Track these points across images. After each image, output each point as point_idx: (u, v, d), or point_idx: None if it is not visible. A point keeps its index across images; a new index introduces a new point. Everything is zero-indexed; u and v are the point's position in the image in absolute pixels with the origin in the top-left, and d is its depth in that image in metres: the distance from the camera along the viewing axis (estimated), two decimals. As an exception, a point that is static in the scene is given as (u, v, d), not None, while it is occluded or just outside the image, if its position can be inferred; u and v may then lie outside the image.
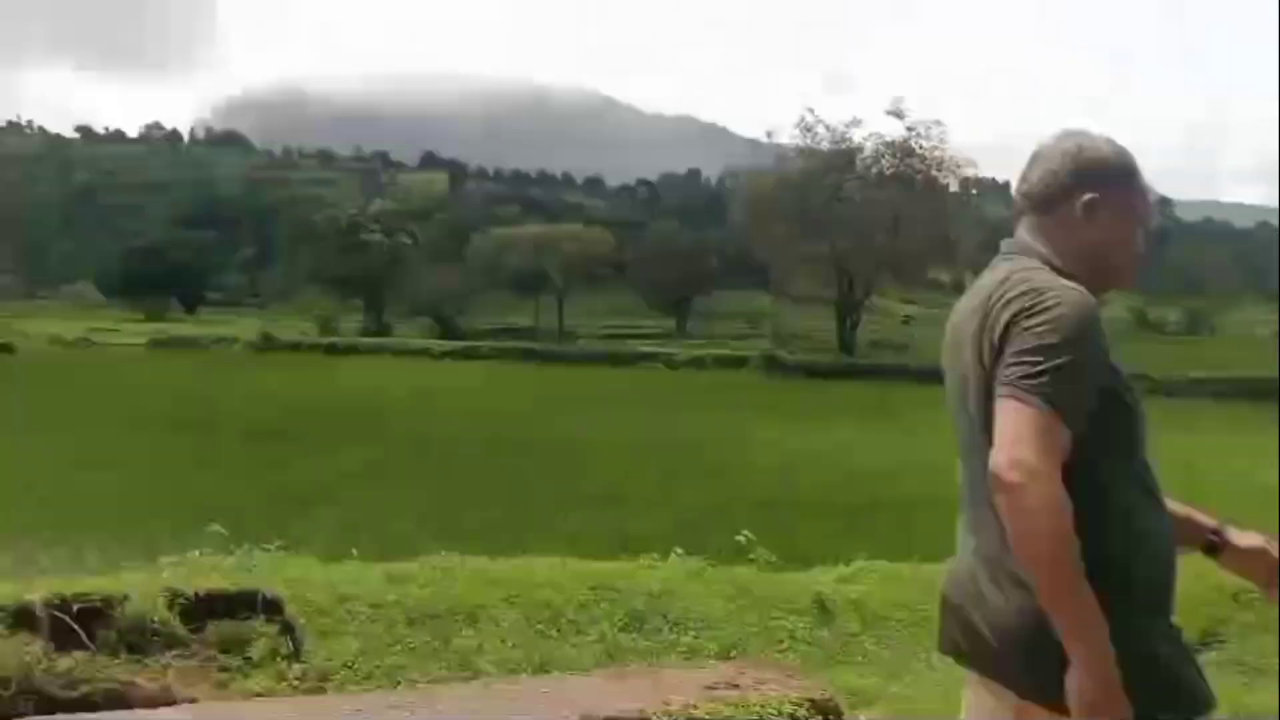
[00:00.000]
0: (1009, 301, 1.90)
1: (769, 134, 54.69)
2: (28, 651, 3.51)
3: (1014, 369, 1.84)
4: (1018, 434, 1.78)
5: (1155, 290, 63.43)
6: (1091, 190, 2.01)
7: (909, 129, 50.26)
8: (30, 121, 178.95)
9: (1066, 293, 1.88)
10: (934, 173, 51.58)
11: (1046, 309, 1.85)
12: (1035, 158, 2.10)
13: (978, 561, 1.97)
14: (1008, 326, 1.88)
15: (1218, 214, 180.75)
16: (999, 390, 1.86)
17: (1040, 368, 1.82)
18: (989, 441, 1.86)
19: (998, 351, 1.89)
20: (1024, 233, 2.08)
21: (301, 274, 70.21)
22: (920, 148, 50.50)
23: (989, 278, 2.02)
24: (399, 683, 4.12)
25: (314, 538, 7.67)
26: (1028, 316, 1.86)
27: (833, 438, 19.22)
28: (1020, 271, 1.98)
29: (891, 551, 7.21)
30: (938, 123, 50.72)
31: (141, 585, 4.16)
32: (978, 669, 2.00)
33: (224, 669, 3.89)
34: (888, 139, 50.58)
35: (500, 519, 10.87)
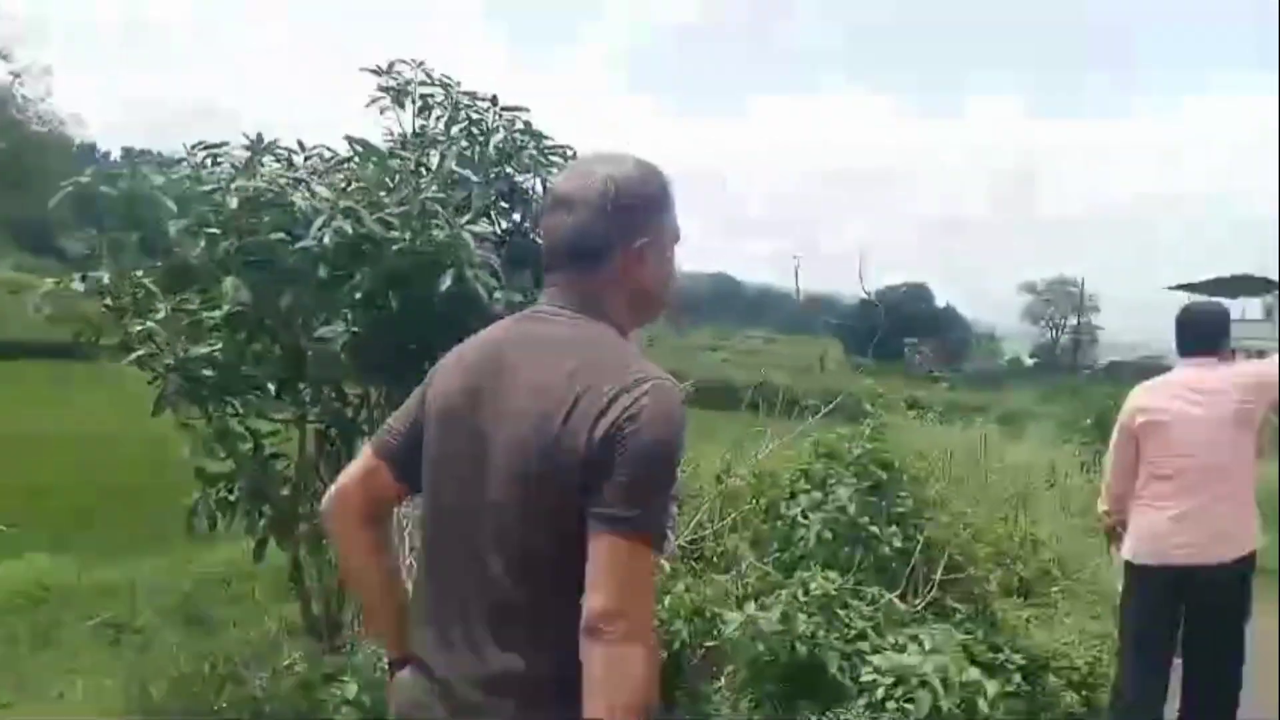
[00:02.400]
0: (607, 402, 1.66)
1: None
2: None
3: (620, 497, 1.64)
4: (622, 580, 1.61)
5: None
6: (641, 234, 1.82)
7: (13, 75, 44.84)
8: None
9: (665, 394, 1.69)
10: (34, 127, 46.09)
11: (653, 419, 1.66)
12: (564, 201, 1.83)
13: (445, 685, 1.78)
14: (609, 438, 1.65)
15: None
16: (596, 519, 1.64)
17: (650, 500, 1.66)
18: (527, 556, 1.71)
19: (589, 463, 1.65)
20: (567, 286, 1.83)
21: None
22: (21, 97, 45.26)
23: (549, 338, 1.78)
24: None
25: None
26: (631, 426, 1.65)
27: None
28: (604, 351, 1.75)
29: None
30: (47, 71, 46.32)
31: None
32: None
33: None
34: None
35: None
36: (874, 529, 5.15)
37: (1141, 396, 4.37)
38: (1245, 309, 69.37)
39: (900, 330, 70.22)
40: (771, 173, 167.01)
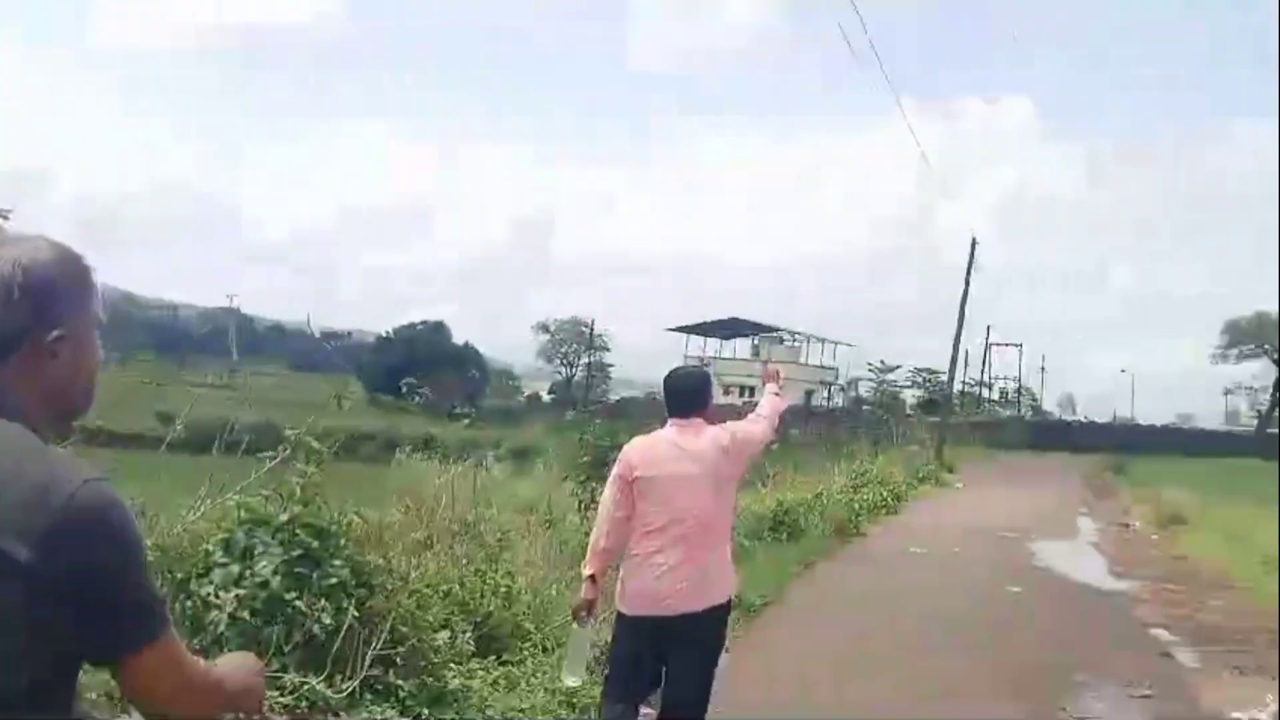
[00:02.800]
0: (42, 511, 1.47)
1: None
2: None
3: (115, 619, 1.53)
4: (180, 690, 1.61)
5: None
6: (54, 325, 1.61)
7: None
8: None
9: (103, 494, 1.52)
10: None
11: (100, 522, 1.50)
12: None
13: None
14: (54, 551, 1.46)
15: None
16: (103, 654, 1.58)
17: (143, 603, 1.57)
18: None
19: (41, 583, 1.46)
20: None
21: None
22: None
23: None
24: None
25: None
26: (75, 536, 1.47)
27: None
28: (20, 454, 1.52)
29: None
30: None
31: None
32: None
33: None
34: None
35: None
36: (300, 604, 4.39)
37: (634, 454, 4.51)
38: (736, 349, 77.30)
39: (423, 367, 70.34)
40: (288, 204, 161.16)
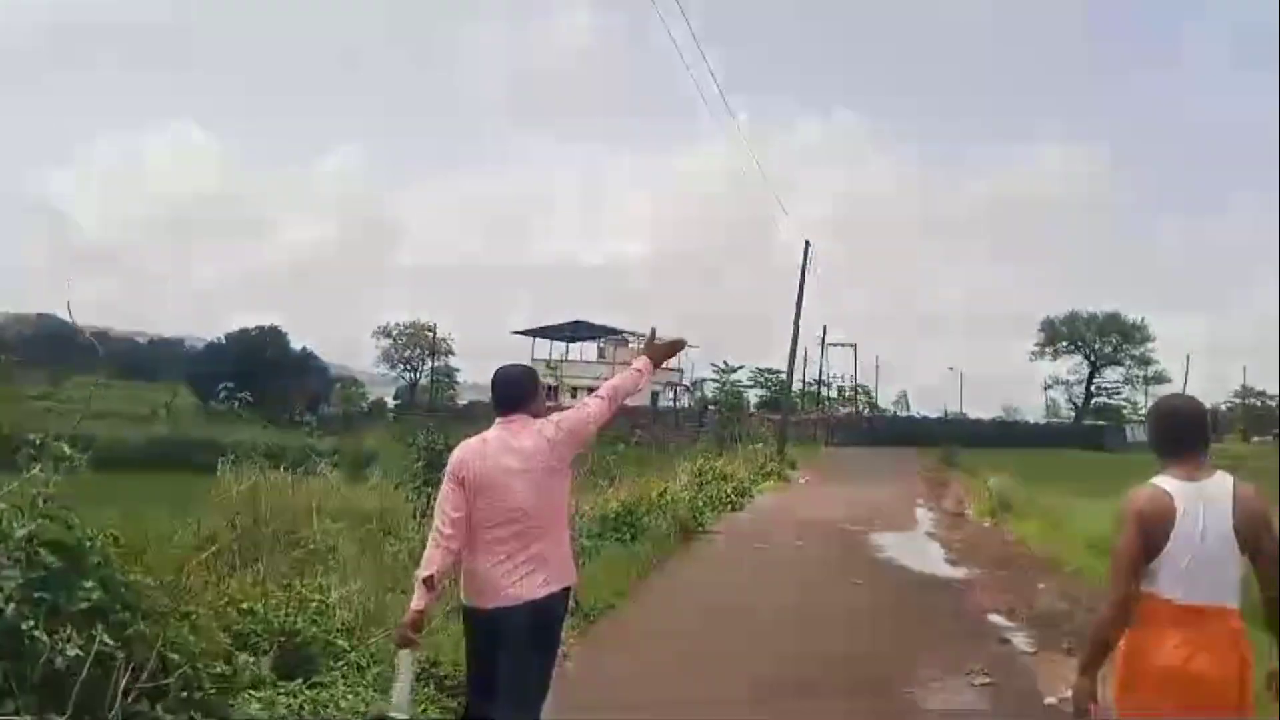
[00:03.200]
0: None
1: None
2: None
3: None
4: None
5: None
6: None
7: None
8: None
9: None
10: None
11: None
12: None
13: None
14: None
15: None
16: None
17: None
18: None
19: None
20: None
21: None
22: None
23: None
24: None
25: None
26: None
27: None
28: None
29: None
30: None
31: None
32: None
33: None
34: None
35: None
36: (39, 634, 3.69)
37: (464, 453, 4.53)
38: (583, 351, 76.99)
39: (258, 374, 67.59)
40: (112, 209, 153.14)
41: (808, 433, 57.76)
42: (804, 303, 40.81)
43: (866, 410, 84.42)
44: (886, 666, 7.89)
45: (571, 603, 4.77)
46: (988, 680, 7.51)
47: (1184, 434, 3.71)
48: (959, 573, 13.18)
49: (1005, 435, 69.57)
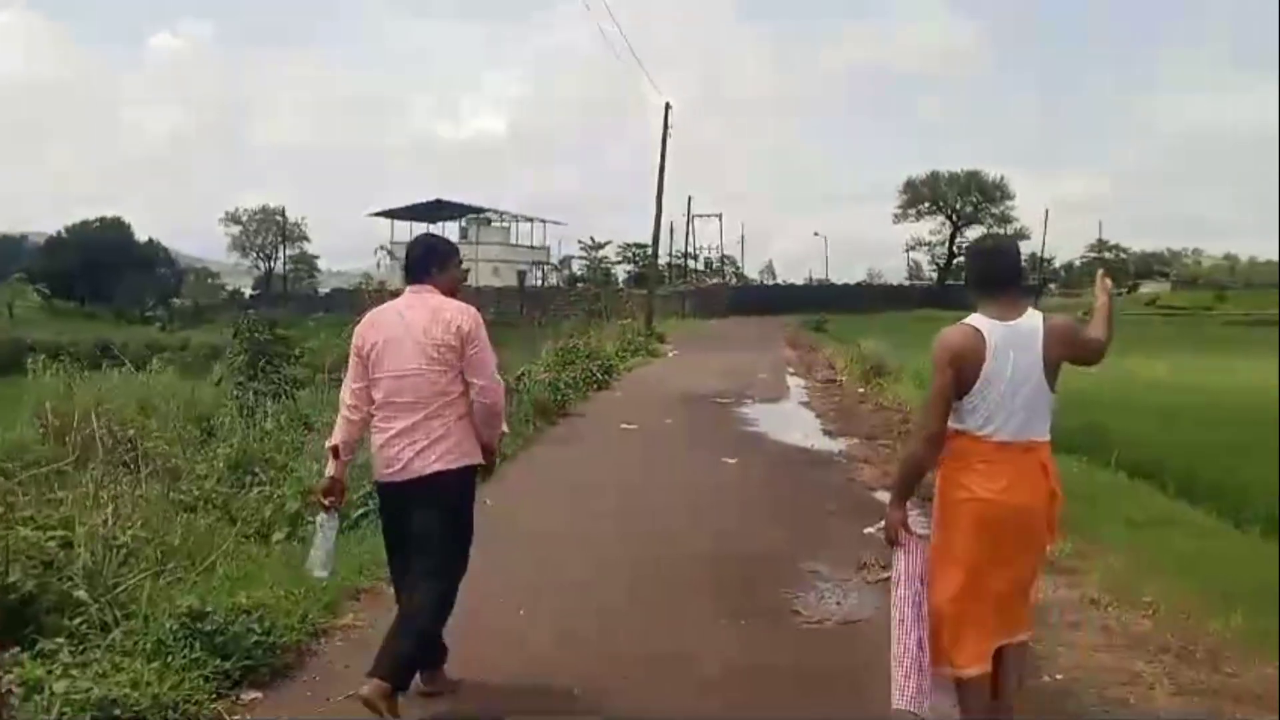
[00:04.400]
0: None
1: None
2: None
3: None
4: None
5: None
6: None
7: None
8: None
9: None
10: None
11: None
12: None
13: None
14: None
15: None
16: None
17: None
18: None
19: None
20: None
21: None
22: None
23: None
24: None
25: None
26: None
27: None
28: None
29: None
30: None
31: None
32: None
33: None
34: None
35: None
36: None
37: (364, 322, 4.49)
38: (445, 231, 74.26)
39: (103, 268, 63.28)
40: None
41: (676, 306, 56.96)
42: (668, 174, 39.25)
43: (734, 280, 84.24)
44: (766, 564, 6.81)
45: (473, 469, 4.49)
46: (884, 574, 6.50)
47: (998, 273, 3.75)
48: (837, 444, 12.27)
49: (870, 299, 70.24)
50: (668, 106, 39.23)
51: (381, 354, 4.33)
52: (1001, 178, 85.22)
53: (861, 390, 18.18)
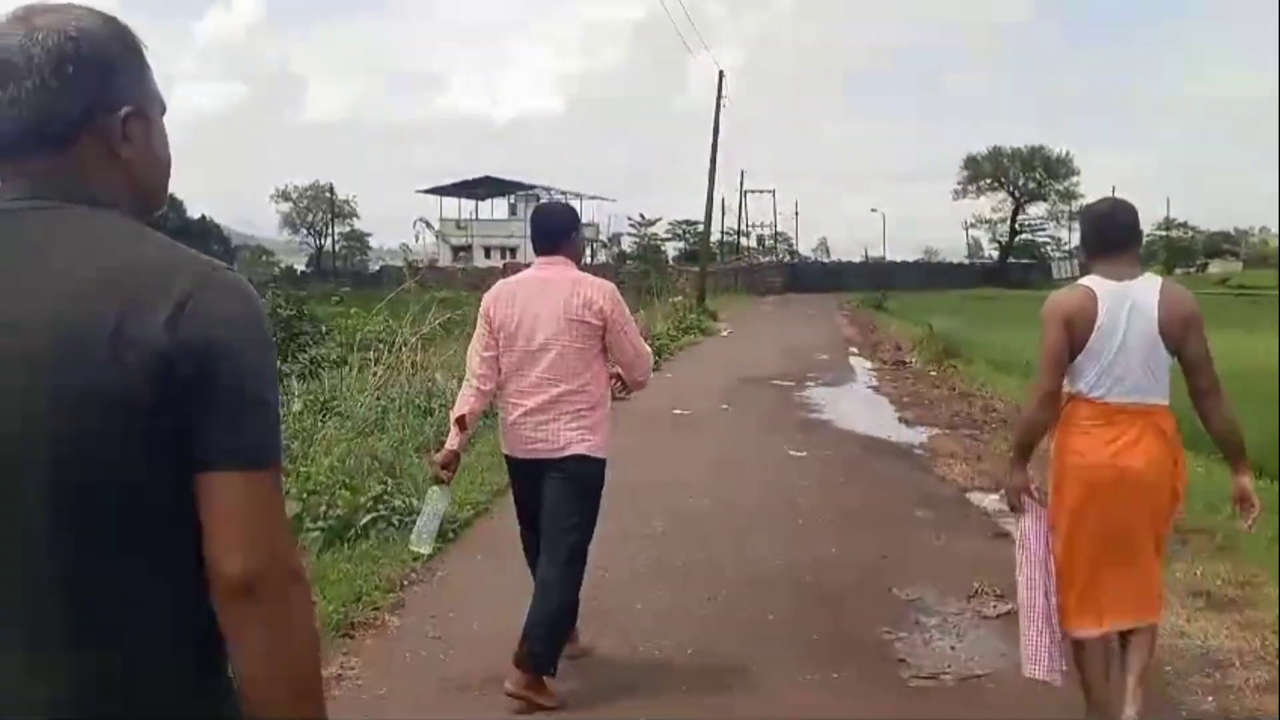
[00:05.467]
0: (177, 304, 1.21)
1: None
2: None
3: (238, 419, 1.23)
4: (265, 521, 1.23)
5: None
6: (121, 102, 1.32)
7: None
8: None
9: (239, 285, 1.29)
10: None
11: (243, 320, 1.26)
12: (6, 60, 1.27)
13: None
14: (210, 354, 1.21)
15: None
16: (216, 456, 1.21)
17: (271, 416, 1.27)
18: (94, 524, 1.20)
19: (170, 386, 1.19)
20: (35, 176, 1.28)
21: None
22: None
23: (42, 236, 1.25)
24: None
25: None
26: (228, 339, 1.23)
27: None
28: (138, 243, 1.27)
29: None
30: None
31: None
32: None
33: None
34: None
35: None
36: None
37: (496, 292, 4.27)
38: (494, 208, 73.42)
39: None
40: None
41: (728, 283, 55.61)
42: (720, 147, 37.79)
43: (787, 258, 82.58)
44: (855, 591, 5.59)
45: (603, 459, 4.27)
46: (1002, 605, 5.25)
47: (1113, 233, 3.65)
48: (917, 435, 10.94)
49: (928, 277, 68.35)
50: (721, 74, 37.79)
51: (517, 325, 4.15)
52: (1067, 153, 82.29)
53: (933, 373, 16.81)
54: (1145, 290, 3.54)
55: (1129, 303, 3.50)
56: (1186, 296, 3.63)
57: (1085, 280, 3.62)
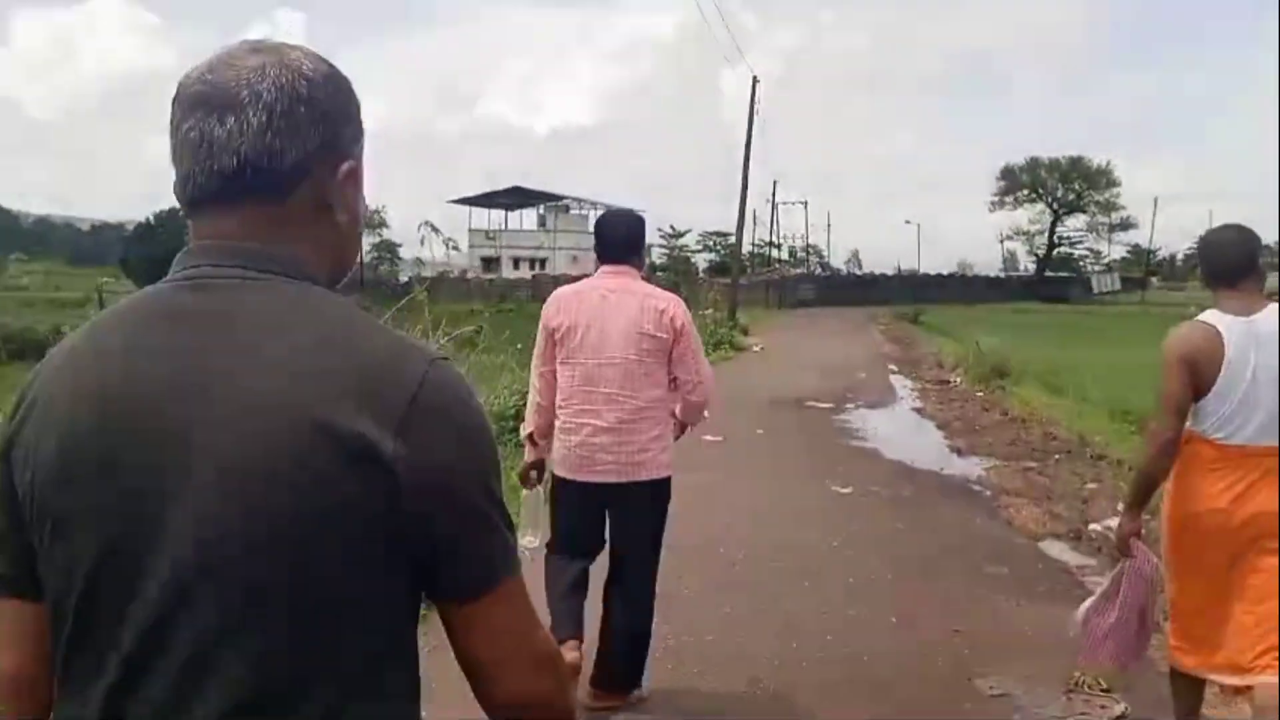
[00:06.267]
0: (406, 396, 1.09)
1: None
2: None
3: (483, 538, 1.15)
4: (528, 632, 1.19)
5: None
6: (344, 155, 1.19)
7: None
8: None
9: (454, 374, 1.17)
10: None
11: (473, 425, 1.16)
12: (214, 100, 1.12)
13: None
14: (446, 469, 1.11)
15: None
16: (469, 584, 1.14)
17: (504, 517, 1.18)
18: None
19: (406, 503, 1.08)
20: (237, 234, 1.14)
21: None
22: None
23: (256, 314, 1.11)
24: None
25: None
26: (462, 451, 1.13)
27: None
28: (351, 326, 1.13)
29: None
30: None
31: None
32: None
33: None
34: None
35: None
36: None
37: (558, 301, 4.05)
38: (523, 219, 72.77)
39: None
40: (50, 89, 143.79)
41: (759, 296, 54.54)
42: (753, 158, 36.70)
43: (819, 270, 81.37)
44: (925, 682, 4.55)
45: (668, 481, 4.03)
46: (1114, 706, 4.19)
47: (1232, 262, 3.45)
48: (974, 467, 9.85)
49: (963, 290, 66.97)
50: (755, 81, 36.71)
51: (582, 337, 3.91)
52: (1107, 163, 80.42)
53: (981, 394, 15.68)
54: (1271, 325, 3.33)
55: (1256, 338, 3.32)
56: None
57: (1207, 315, 3.43)
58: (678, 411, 4.12)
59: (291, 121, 1.12)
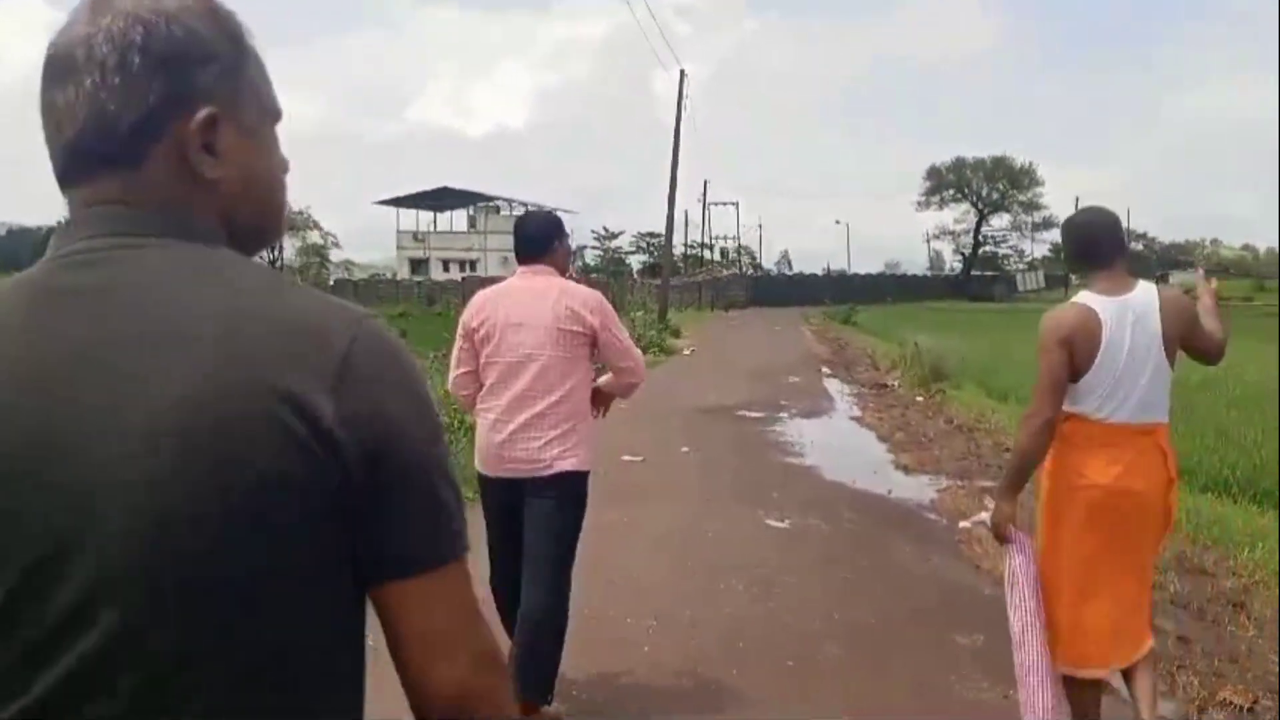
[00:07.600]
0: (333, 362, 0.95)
1: None
2: None
3: (424, 510, 0.99)
4: (467, 619, 1.02)
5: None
6: (198, 101, 1.00)
7: None
8: None
9: (390, 335, 1.03)
10: None
11: (406, 382, 1.00)
12: (66, 64, 0.97)
13: None
14: (382, 432, 0.96)
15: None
16: (407, 560, 0.99)
17: (452, 493, 1.03)
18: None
19: (343, 474, 0.94)
20: (114, 202, 0.99)
21: None
22: None
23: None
24: None
25: None
26: (396, 411, 0.98)
27: None
28: (266, 287, 0.99)
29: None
30: None
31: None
32: None
33: None
34: None
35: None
36: None
37: (477, 301, 3.98)
38: (453, 221, 70.87)
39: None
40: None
41: (692, 297, 53.39)
42: (683, 160, 35.36)
43: (750, 270, 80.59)
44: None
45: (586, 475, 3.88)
46: None
47: (1102, 244, 3.43)
48: (923, 489, 8.59)
49: (892, 290, 66.57)
50: (682, 74, 35.50)
51: (501, 336, 3.81)
52: (1030, 164, 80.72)
53: (921, 398, 14.52)
54: (1145, 302, 3.33)
55: (1131, 317, 3.30)
56: (1182, 301, 3.44)
57: (1082, 297, 3.39)
58: (609, 386, 4.01)
59: (127, 76, 0.96)
